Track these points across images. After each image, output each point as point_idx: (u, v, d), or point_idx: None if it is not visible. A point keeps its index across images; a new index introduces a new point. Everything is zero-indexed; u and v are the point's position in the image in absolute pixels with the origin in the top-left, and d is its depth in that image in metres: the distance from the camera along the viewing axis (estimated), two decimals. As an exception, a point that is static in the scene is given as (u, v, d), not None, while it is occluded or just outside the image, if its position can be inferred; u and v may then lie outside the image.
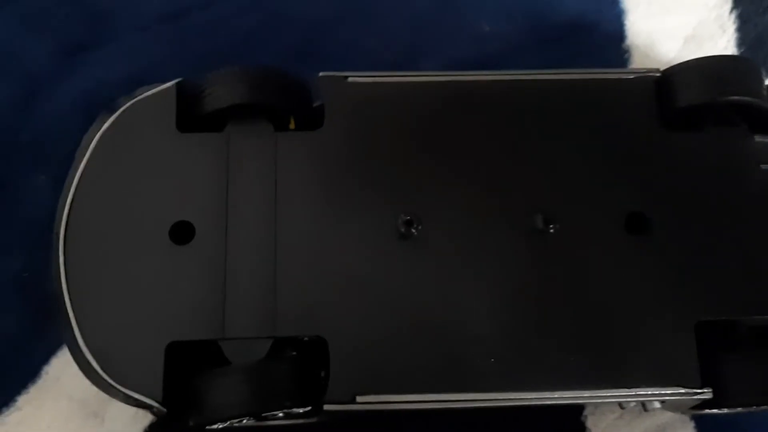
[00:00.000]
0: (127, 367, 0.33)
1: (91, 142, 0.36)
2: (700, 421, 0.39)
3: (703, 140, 0.36)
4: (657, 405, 0.34)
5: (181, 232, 0.35)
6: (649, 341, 0.34)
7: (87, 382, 0.34)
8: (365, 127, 0.36)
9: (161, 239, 0.34)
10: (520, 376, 0.33)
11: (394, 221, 0.35)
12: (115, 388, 0.33)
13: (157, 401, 0.32)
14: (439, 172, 0.36)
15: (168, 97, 0.36)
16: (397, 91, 0.37)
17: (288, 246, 0.34)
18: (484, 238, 0.35)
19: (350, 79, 0.37)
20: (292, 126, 0.37)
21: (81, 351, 0.33)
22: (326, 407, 0.32)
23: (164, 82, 0.37)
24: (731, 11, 0.46)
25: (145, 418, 0.38)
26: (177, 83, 0.37)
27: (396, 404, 0.33)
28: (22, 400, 0.38)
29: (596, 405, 0.38)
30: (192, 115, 0.36)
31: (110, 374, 0.33)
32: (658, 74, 0.37)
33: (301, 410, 0.33)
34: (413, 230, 0.34)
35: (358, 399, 0.32)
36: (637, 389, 0.33)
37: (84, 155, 0.36)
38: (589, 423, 0.38)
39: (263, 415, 0.33)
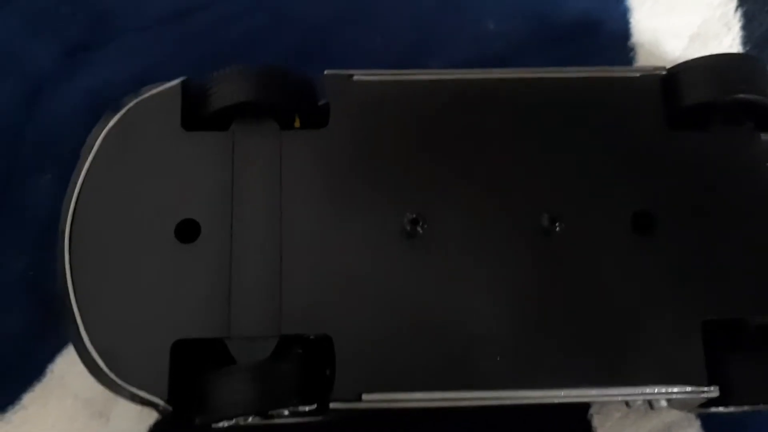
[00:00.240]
0: (132, 365, 0.33)
1: (96, 141, 0.36)
2: (706, 420, 0.38)
3: (709, 139, 0.36)
4: (663, 403, 0.34)
5: (187, 231, 0.34)
6: (656, 339, 0.33)
7: (92, 381, 0.34)
8: (370, 125, 0.36)
9: (167, 237, 0.34)
10: (526, 374, 0.33)
11: (399, 220, 0.35)
12: (120, 386, 0.33)
13: (162, 399, 0.32)
14: (444, 170, 0.36)
15: (173, 95, 0.36)
16: (403, 90, 0.37)
17: (293, 244, 0.34)
18: (490, 237, 0.35)
19: (355, 78, 0.37)
20: (297, 125, 0.37)
21: (86, 349, 0.33)
22: (332, 405, 0.32)
23: (168, 81, 0.37)
24: (736, 9, 0.46)
25: (150, 416, 0.38)
26: (182, 82, 0.37)
27: (402, 402, 0.33)
28: (27, 398, 0.38)
29: (602, 404, 0.38)
30: (197, 113, 0.36)
31: (116, 372, 0.33)
32: (664, 72, 0.37)
33: (307, 408, 0.33)
34: (419, 229, 0.34)
35: (364, 397, 0.32)
36: (644, 387, 0.33)
37: (89, 154, 0.36)
38: (595, 422, 0.38)
39: (269, 413, 0.33)
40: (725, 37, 0.45)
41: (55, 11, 0.45)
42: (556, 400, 0.33)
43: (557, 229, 0.34)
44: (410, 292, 0.34)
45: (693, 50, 0.45)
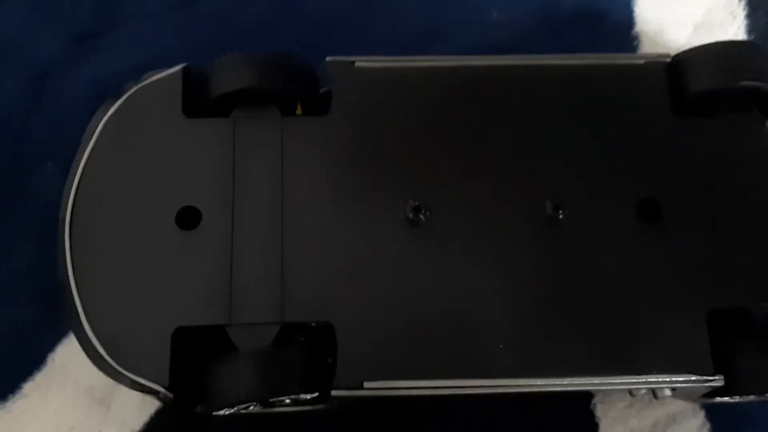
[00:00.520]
0: (133, 352, 0.33)
1: (96, 128, 0.36)
2: (710, 411, 0.38)
3: (715, 126, 0.36)
4: (668, 393, 0.34)
5: (188, 218, 0.34)
6: (661, 328, 0.33)
7: (93, 370, 0.33)
8: (373, 112, 0.36)
9: (168, 225, 0.34)
10: (529, 362, 0.33)
11: (402, 207, 0.34)
12: (121, 373, 0.33)
13: (163, 387, 0.32)
14: (447, 158, 0.35)
15: (174, 82, 0.36)
16: (405, 76, 0.37)
17: (295, 231, 0.34)
18: (494, 225, 0.35)
19: (357, 64, 0.37)
20: (298, 112, 0.37)
21: (87, 336, 0.33)
22: (334, 393, 0.32)
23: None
24: (741, -2, 0.46)
25: (152, 405, 0.38)
26: (183, 68, 0.36)
27: (404, 390, 0.32)
28: (28, 387, 0.38)
29: (606, 393, 0.38)
30: (199, 100, 0.36)
31: (117, 360, 0.33)
32: (668, 60, 0.37)
33: (308, 396, 0.33)
34: (421, 216, 0.34)
35: (366, 385, 0.32)
36: (648, 376, 0.33)
37: (90, 141, 0.35)
38: (599, 412, 0.38)
39: (270, 401, 0.33)
40: (730, 25, 0.45)
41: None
42: (559, 389, 0.33)
43: (561, 216, 0.34)
44: (413, 280, 0.34)
45: (698, 39, 0.44)
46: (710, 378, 0.33)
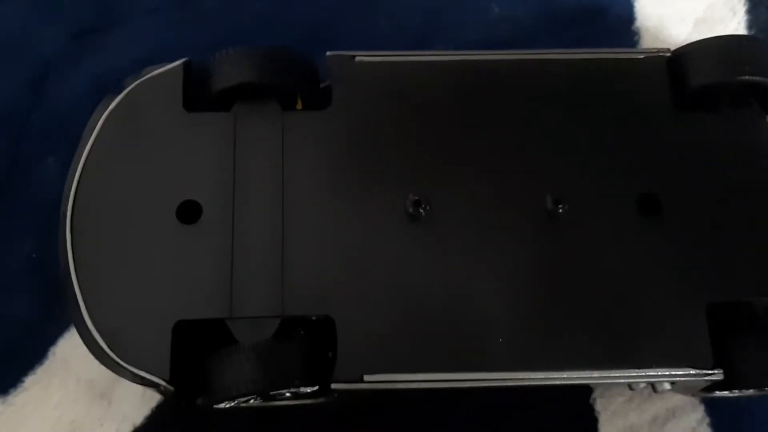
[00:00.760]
0: (134, 345, 0.33)
1: (97, 122, 0.36)
2: (710, 405, 0.38)
3: (715, 121, 0.36)
4: (667, 387, 0.34)
5: (189, 212, 0.34)
6: (660, 322, 0.33)
7: (95, 363, 0.33)
8: (373, 106, 0.36)
9: (168, 219, 0.34)
10: (530, 356, 0.33)
11: (402, 202, 0.34)
12: (122, 366, 0.33)
13: (164, 380, 0.32)
14: (447, 152, 0.36)
15: (175, 76, 0.36)
16: (406, 71, 0.37)
17: (295, 225, 0.34)
18: (494, 220, 0.35)
19: (358, 59, 0.37)
20: (299, 106, 0.37)
21: (88, 330, 0.33)
22: (334, 386, 0.32)
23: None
24: (742, -7, 0.46)
25: (153, 399, 0.38)
26: (184, 63, 0.37)
27: (403, 383, 0.33)
28: (29, 381, 0.38)
29: (606, 386, 0.38)
30: (199, 94, 0.36)
31: (117, 353, 0.33)
32: (668, 54, 0.37)
33: (308, 390, 0.33)
34: (421, 210, 0.34)
35: (366, 378, 0.32)
36: (648, 370, 0.33)
37: (91, 135, 0.36)
38: (598, 406, 0.38)
39: (271, 394, 0.33)
40: (730, 21, 0.45)
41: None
42: (558, 383, 0.33)
43: (561, 211, 0.34)
44: (413, 274, 0.34)
45: (698, 34, 0.44)
46: (710, 372, 0.33)
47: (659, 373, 0.33)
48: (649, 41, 0.45)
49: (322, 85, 0.37)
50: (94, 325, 0.33)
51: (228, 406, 0.33)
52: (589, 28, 0.45)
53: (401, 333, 0.33)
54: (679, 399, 0.38)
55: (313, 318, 0.33)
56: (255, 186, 0.35)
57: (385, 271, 0.34)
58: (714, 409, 0.38)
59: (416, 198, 0.34)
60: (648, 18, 0.45)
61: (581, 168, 0.35)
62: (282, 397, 0.34)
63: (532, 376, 0.33)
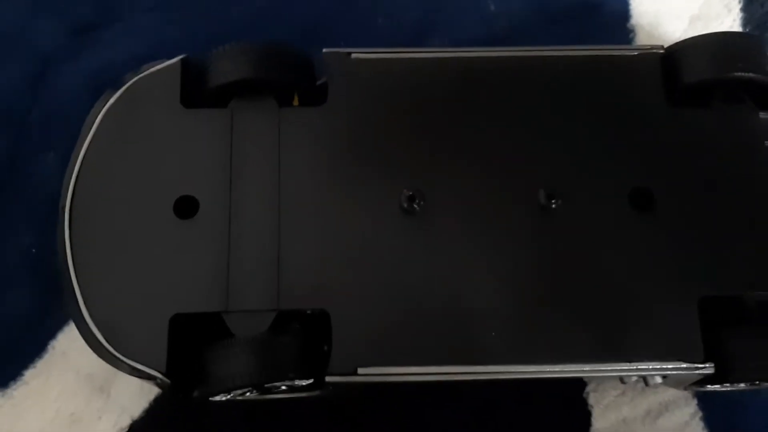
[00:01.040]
0: (131, 339, 0.33)
1: (96, 118, 0.36)
2: (703, 399, 0.38)
3: (708, 116, 0.36)
4: (658, 380, 0.34)
5: (186, 207, 0.35)
6: (652, 316, 0.34)
7: (94, 357, 0.34)
8: (369, 103, 0.36)
9: (165, 213, 0.35)
10: (522, 349, 0.33)
11: (397, 197, 0.35)
12: (119, 359, 0.33)
13: (160, 372, 0.33)
14: (442, 147, 0.36)
15: (173, 73, 0.37)
16: (401, 68, 0.37)
17: (291, 220, 0.34)
18: (489, 214, 0.35)
19: (354, 56, 0.37)
20: (295, 103, 0.37)
21: (86, 323, 0.33)
22: (328, 379, 0.33)
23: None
24: (737, -10, 0.46)
25: (151, 392, 0.38)
26: (182, 59, 0.37)
27: (397, 376, 0.33)
28: (29, 374, 0.39)
29: (598, 380, 0.38)
30: (197, 90, 0.37)
31: (115, 346, 0.33)
32: (661, 51, 0.37)
33: (303, 383, 0.33)
34: (416, 206, 0.34)
35: (360, 371, 0.32)
36: (639, 363, 0.33)
37: (89, 130, 0.36)
38: (592, 400, 0.38)
39: (266, 386, 0.33)
40: (726, 18, 0.45)
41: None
42: (551, 375, 0.33)
43: (553, 205, 0.34)
44: (407, 269, 0.34)
45: (693, 31, 0.44)
46: (701, 366, 0.33)
47: (650, 367, 0.33)
48: (644, 38, 0.45)
49: (318, 82, 0.37)
50: (92, 318, 0.33)
51: (224, 398, 0.34)
52: (584, 25, 0.45)
53: (396, 327, 0.33)
54: (672, 393, 0.38)
55: (309, 312, 0.34)
56: (251, 181, 0.35)
57: (380, 265, 0.34)
58: (707, 403, 0.38)
59: (411, 193, 0.34)
60: (643, 15, 0.45)
61: (575, 163, 0.36)
62: (277, 390, 0.34)
63: (524, 369, 0.33)
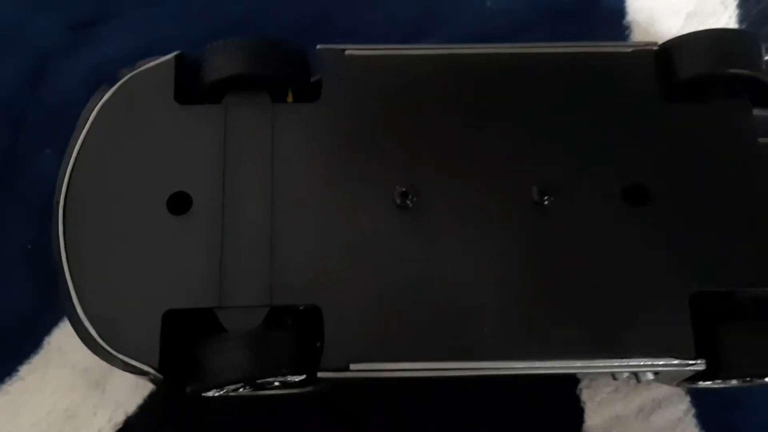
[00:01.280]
0: (124, 334, 0.33)
1: (90, 114, 0.36)
2: (696, 396, 0.39)
3: (702, 113, 0.36)
4: (650, 376, 0.35)
5: (179, 203, 0.35)
6: (644, 312, 0.34)
7: (89, 353, 0.34)
8: (362, 99, 0.36)
9: (159, 209, 0.35)
10: (514, 345, 0.33)
11: (390, 193, 0.35)
12: (113, 355, 0.33)
13: (153, 368, 0.33)
14: (436, 144, 0.36)
15: (167, 69, 0.37)
16: (394, 64, 0.37)
17: (285, 216, 0.35)
18: (482, 210, 0.35)
19: (348, 52, 0.37)
20: (289, 99, 0.37)
21: (79, 318, 0.34)
22: (320, 374, 0.33)
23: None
24: (733, -13, 0.46)
25: (146, 387, 0.39)
26: (176, 56, 0.37)
27: (389, 372, 0.33)
28: (25, 370, 0.39)
29: (590, 376, 0.38)
30: (191, 87, 0.37)
31: (108, 342, 0.33)
32: (655, 48, 0.38)
33: (296, 379, 0.33)
34: (408, 202, 0.35)
35: (352, 366, 0.33)
36: (630, 360, 0.33)
37: (84, 126, 0.36)
38: (584, 396, 0.39)
39: (259, 382, 0.33)
40: (722, 14, 0.46)
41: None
42: (542, 372, 0.33)
43: (546, 202, 0.34)
44: (400, 265, 0.34)
45: (690, 28, 0.44)
46: (692, 362, 0.33)
47: (642, 363, 0.33)
48: (640, 35, 0.45)
49: (313, 79, 0.37)
50: (86, 314, 0.34)
51: (217, 394, 0.34)
52: (580, 22, 0.45)
53: (388, 323, 0.33)
54: (665, 390, 0.38)
55: (301, 308, 0.34)
56: (245, 177, 0.35)
57: (373, 261, 0.34)
58: (700, 400, 0.38)
59: (404, 189, 0.35)
60: (639, 12, 0.45)
61: (569, 159, 0.36)
62: (270, 386, 0.34)
63: (516, 365, 0.33)
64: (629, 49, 0.38)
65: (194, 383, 0.33)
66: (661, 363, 0.33)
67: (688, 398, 0.39)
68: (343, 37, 0.43)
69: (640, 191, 0.35)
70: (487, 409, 0.38)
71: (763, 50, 0.38)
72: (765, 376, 0.34)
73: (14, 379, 0.39)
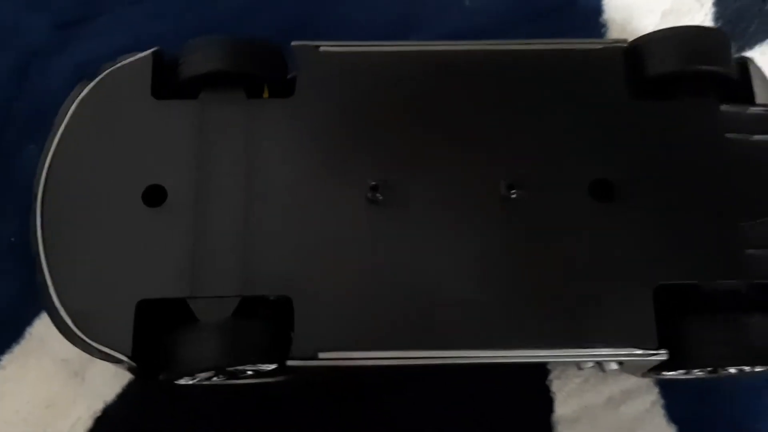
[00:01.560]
0: (99, 323, 0.34)
1: (69, 108, 0.37)
2: (664, 387, 0.39)
3: (669, 109, 0.37)
4: (614, 366, 0.35)
5: (154, 196, 0.36)
6: (609, 303, 0.34)
7: (69, 343, 0.35)
8: (336, 95, 0.37)
9: (135, 202, 0.35)
10: (482, 335, 0.34)
11: (363, 187, 0.35)
12: (88, 344, 0.34)
13: (126, 356, 0.33)
14: (408, 139, 0.37)
15: (144, 65, 0.37)
16: (368, 61, 0.38)
17: (258, 209, 0.35)
18: (453, 203, 0.36)
19: (322, 49, 0.38)
20: (266, 95, 0.38)
21: (56, 309, 0.34)
22: (289, 363, 0.33)
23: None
24: (709, -15, 0.46)
25: (125, 377, 0.39)
26: (153, 52, 0.38)
27: (357, 360, 0.34)
28: (6, 359, 0.40)
29: (561, 370, 0.39)
30: (169, 82, 0.37)
31: (84, 331, 0.34)
32: (625, 45, 0.38)
33: (267, 368, 0.34)
34: (379, 195, 0.35)
35: (321, 355, 0.33)
36: (594, 349, 0.34)
37: (62, 120, 0.37)
38: (554, 387, 0.39)
39: (229, 370, 0.34)
40: (697, 13, 0.46)
41: (46, -15, 0.46)
42: (508, 360, 0.34)
43: (513, 196, 0.35)
44: (371, 257, 0.35)
45: (666, 26, 0.44)
46: (654, 352, 0.34)
47: (605, 353, 0.34)
48: (617, 33, 0.45)
49: (289, 76, 0.38)
50: (62, 304, 0.34)
51: (189, 382, 0.35)
52: (557, 20, 0.46)
53: (357, 313, 0.34)
54: (634, 381, 0.39)
55: (272, 298, 0.35)
56: (219, 171, 0.36)
57: (345, 253, 0.35)
58: (668, 390, 0.39)
59: (374, 183, 0.35)
60: (616, 10, 0.46)
61: (538, 154, 0.36)
62: (243, 375, 0.35)
63: (483, 354, 0.34)
64: (599, 46, 0.38)
65: (166, 371, 0.34)
66: (624, 353, 0.34)
67: (656, 389, 0.39)
68: (328, 35, 0.44)
69: (607, 187, 0.36)
70: (457, 400, 0.39)
71: (732, 47, 0.38)
72: (727, 367, 0.35)
73: (-4, 368, 0.40)
